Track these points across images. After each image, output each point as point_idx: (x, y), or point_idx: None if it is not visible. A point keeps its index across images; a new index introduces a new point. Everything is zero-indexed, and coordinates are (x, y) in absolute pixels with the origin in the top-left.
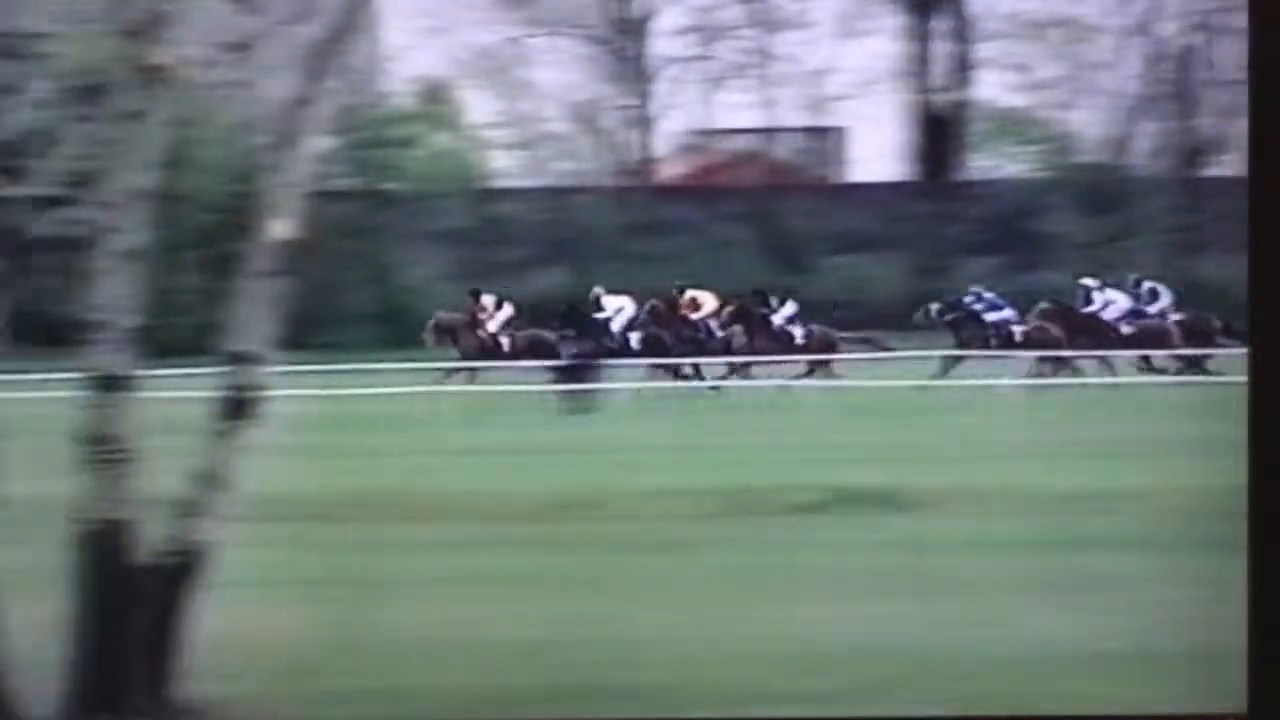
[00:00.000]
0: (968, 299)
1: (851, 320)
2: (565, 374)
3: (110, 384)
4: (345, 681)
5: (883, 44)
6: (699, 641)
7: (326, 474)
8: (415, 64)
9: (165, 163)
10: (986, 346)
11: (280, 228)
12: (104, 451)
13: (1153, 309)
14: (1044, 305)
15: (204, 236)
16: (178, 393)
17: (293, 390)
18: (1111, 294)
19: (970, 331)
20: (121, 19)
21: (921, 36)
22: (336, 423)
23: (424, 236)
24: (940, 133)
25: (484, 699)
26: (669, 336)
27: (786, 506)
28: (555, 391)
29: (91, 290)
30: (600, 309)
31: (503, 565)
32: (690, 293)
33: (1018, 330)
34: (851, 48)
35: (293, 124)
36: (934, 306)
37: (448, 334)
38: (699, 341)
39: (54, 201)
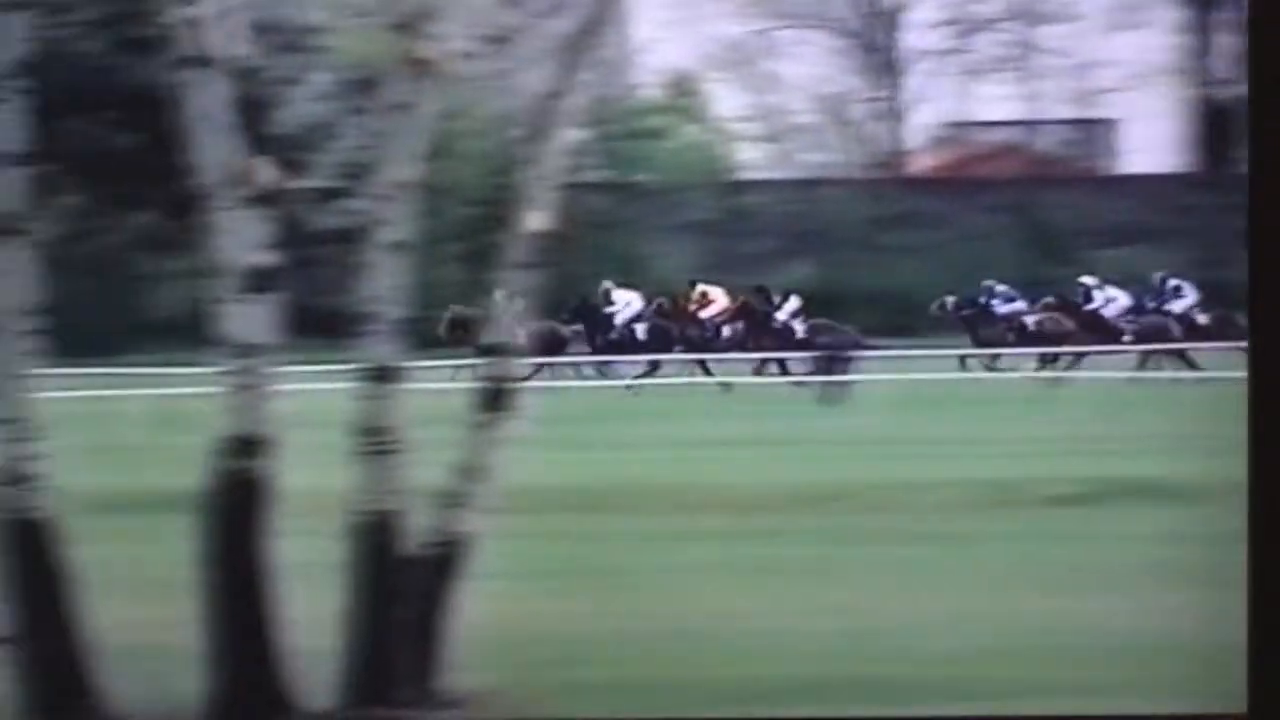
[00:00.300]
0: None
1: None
2: (820, 365)
3: (380, 375)
4: (602, 673)
5: (1157, 37)
6: (961, 634)
7: (582, 465)
8: (664, 57)
9: (430, 155)
10: (1003, 341)
11: (535, 220)
12: (375, 443)
13: (1177, 306)
14: (1047, 300)
15: (464, 228)
16: (439, 384)
17: (548, 382)
18: (1112, 291)
19: (985, 327)
20: (391, 12)
21: (1202, 29)
22: (592, 414)
23: (673, 229)
24: (1221, 125)
25: (739, 692)
26: (675, 332)
27: (1047, 498)
28: (807, 383)
29: (362, 282)
30: (610, 303)
31: (758, 556)
32: (701, 288)
33: (1030, 321)
34: (1123, 40)
35: (547, 116)
36: (949, 300)
37: (461, 328)
38: (706, 338)
39: (333, 194)
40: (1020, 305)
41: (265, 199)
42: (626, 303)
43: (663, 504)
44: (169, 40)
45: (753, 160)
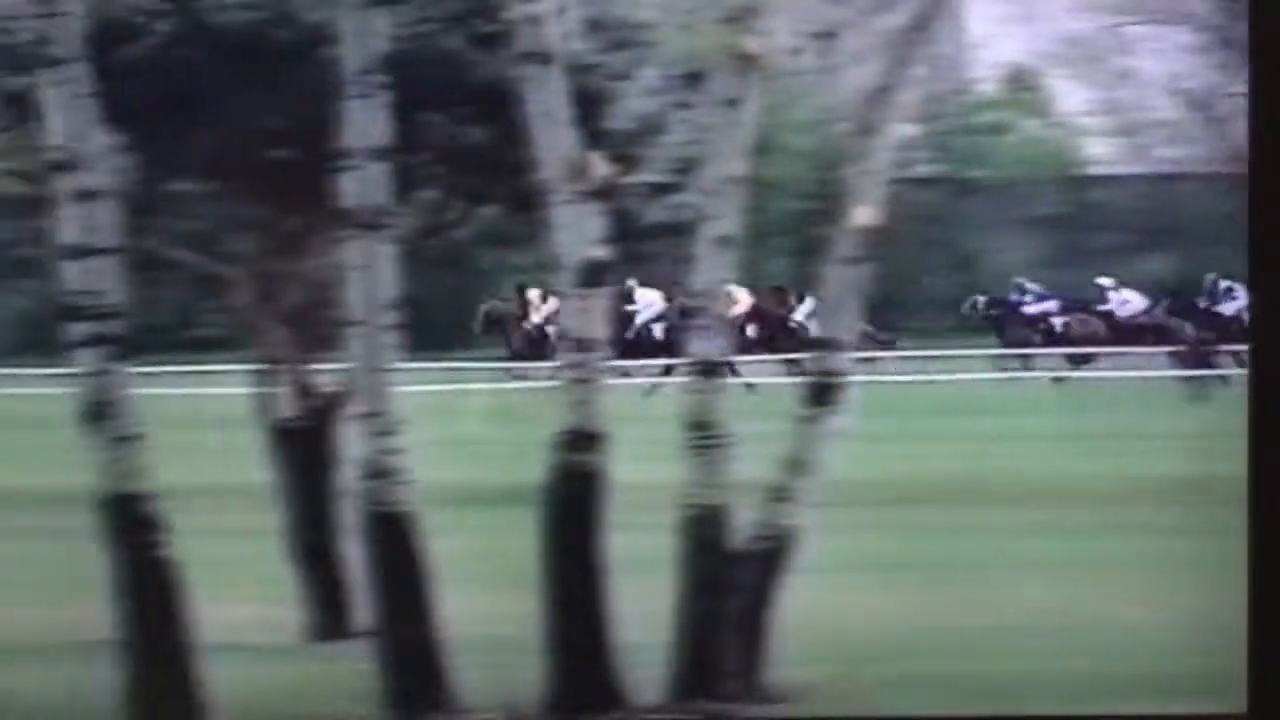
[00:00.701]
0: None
1: None
2: (1182, 360)
3: (708, 370)
4: (923, 668)
5: None
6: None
7: (906, 459)
8: (1002, 51)
9: (756, 150)
10: (1031, 342)
11: (864, 214)
12: (703, 437)
13: (1230, 309)
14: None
15: (789, 223)
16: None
17: (874, 376)
18: (1127, 294)
19: (1014, 327)
20: (719, 8)
21: None
22: (916, 407)
23: (1011, 223)
24: None
25: (1066, 686)
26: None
27: None
28: (1165, 377)
29: (691, 276)
30: (632, 301)
31: (1089, 550)
32: (728, 289)
33: (1058, 323)
34: None
35: (876, 111)
36: (980, 299)
37: (496, 324)
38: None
39: (662, 188)
40: (1051, 306)
41: (600, 193)
42: (649, 303)
43: (981, 497)
44: (513, 36)
45: (1101, 155)
